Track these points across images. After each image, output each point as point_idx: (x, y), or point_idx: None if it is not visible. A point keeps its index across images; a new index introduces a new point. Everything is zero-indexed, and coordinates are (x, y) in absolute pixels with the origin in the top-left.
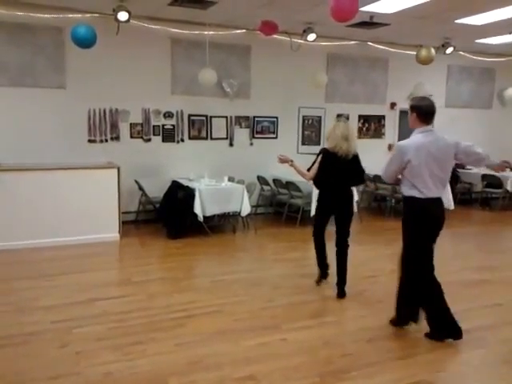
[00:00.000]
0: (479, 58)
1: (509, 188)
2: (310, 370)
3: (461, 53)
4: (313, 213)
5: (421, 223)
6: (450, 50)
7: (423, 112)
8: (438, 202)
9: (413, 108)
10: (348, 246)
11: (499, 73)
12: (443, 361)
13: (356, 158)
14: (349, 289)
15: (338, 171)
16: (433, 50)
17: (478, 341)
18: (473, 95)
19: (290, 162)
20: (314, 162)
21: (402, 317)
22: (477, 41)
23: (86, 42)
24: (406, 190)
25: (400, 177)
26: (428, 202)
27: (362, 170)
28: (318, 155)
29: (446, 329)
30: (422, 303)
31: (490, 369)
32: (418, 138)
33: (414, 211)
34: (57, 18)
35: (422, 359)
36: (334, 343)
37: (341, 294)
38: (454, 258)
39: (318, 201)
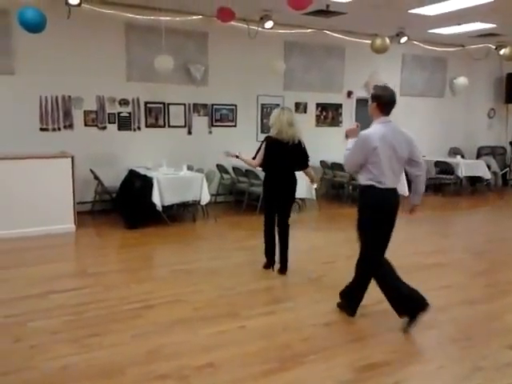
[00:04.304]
0: (432, 48)
1: (459, 174)
2: (269, 356)
3: (414, 42)
4: None
5: (377, 212)
6: (404, 39)
7: (384, 102)
8: (394, 192)
9: (374, 97)
10: (289, 226)
11: (450, 62)
12: (397, 341)
13: (300, 143)
14: (307, 274)
15: (283, 156)
16: (387, 40)
17: (429, 321)
18: (426, 84)
19: (236, 156)
20: (259, 150)
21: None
22: (429, 31)
23: (34, 26)
24: (364, 180)
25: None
26: (385, 192)
27: (306, 155)
28: (261, 143)
29: (411, 303)
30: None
31: (440, 347)
32: (379, 127)
33: (371, 200)
34: None
35: (377, 341)
36: (293, 328)
37: (283, 269)
38: (407, 242)
39: (265, 185)
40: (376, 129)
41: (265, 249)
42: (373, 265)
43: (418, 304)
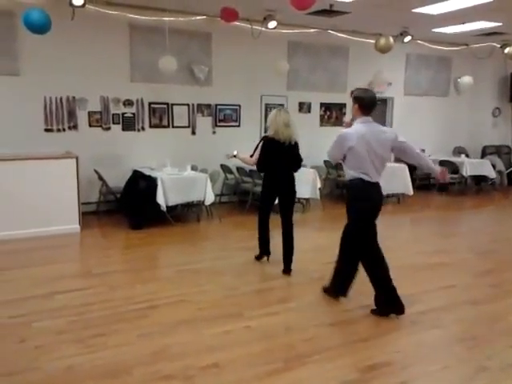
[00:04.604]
0: (436, 47)
1: (464, 173)
2: (274, 356)
3: (418, 41)
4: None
5: (360, 203)
6: (407, 38)
7: (365, 103)
8: (376, 186)
9: (356, 99)
10: (293, 225)
11: (455, 61)
12: (400, 342)
13: (296, 145)
14: (310, 274)
15: (279, 156)
16: (391, 39)
17: (433, 321)
18: (430, 83)
19: (233, 156)
20: (256, 149)
21: (336, 288)
22: (433, 30)
23: (39, 28)
24: (348, 174)
25: (340, 161)
26: (368, 186)
27: (299, 158)
28: (259, 142)
29: (390, 304)
30: (365, 276)
31: (444, 347)
32: (359, 127)
33: (354, 193)
34: (8, 0)
35: (380, 341)
36: (297, 328)
37: (287, 270)
38: (411, 241)
39: (264, 185)
40: (357, 128)
41: (258, 240)
42: (362, 253)
43: (398, 307)
